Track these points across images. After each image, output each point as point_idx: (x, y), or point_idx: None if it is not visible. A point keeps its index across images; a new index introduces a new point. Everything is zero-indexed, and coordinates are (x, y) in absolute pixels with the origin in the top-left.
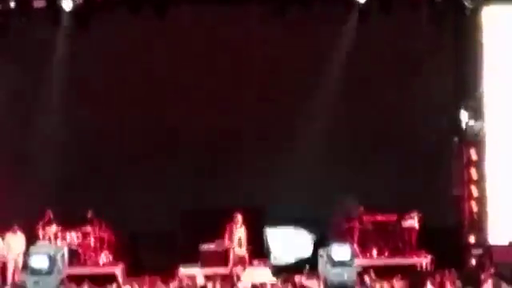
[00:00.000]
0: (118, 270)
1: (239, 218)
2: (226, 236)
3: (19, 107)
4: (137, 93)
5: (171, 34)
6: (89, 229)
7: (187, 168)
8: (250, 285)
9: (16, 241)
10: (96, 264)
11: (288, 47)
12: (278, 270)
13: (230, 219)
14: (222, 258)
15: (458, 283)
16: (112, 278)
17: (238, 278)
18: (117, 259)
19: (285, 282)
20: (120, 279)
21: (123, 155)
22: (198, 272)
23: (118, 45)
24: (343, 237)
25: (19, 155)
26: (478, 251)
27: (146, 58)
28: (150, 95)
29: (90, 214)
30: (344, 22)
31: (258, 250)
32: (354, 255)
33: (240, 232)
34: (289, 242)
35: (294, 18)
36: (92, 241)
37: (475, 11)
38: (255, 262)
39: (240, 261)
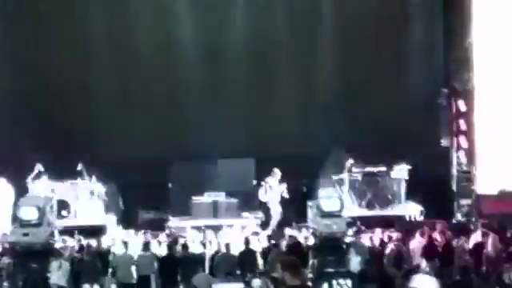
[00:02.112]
0: (108, 222)
1: (277, 172)
2: (263, 189)
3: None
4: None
5: None
6: (79, 181)
7: (174, 120)
8: (239, 237)
9: (3, 192)
10: (86, 216)
11: None
12: (267, 222)
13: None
14: (211, 209)
15: (447, 233)
16: (102, 230)
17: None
18: (107, 211)
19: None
20: (110, 231)
21: (112, 108)
22: (187, 224)
23: None
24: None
25: (6, 105)
26: (466, 202)
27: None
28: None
29: (79, 167)
30: None
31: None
32: (343, 206)
33: (281, 187)
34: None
35: None
36: (82, 193)
37: None
38: (245, 213)
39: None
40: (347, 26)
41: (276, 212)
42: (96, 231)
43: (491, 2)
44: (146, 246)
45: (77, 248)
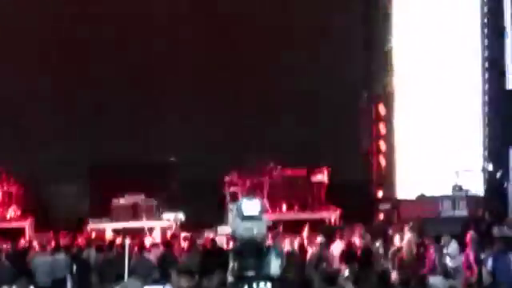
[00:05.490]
0: (27, 225)
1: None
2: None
3: None
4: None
5: None
6: None
7: (96, 124)
8: (159, 239)
9: None
10: (3, 218)
11: None
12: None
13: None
14: (131, 212)
15: (367, 237)
16: (20, 232)
17: (150, 232)
18: (25, 214)
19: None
20: (28, 234)
21: (32, 111)
22: (107, 226)
23: None
24: (253, 191)
25: None
26: (385, 206)
27: None
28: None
29: None
30: None
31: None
32: (263, 209)
33: None
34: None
35: None
36: None
37: None
38: (164, 214)
39: None
40: (267, 35)
41: None
42: (14, 234)
43: (411, 7)
44: (64, 248)
45: None
